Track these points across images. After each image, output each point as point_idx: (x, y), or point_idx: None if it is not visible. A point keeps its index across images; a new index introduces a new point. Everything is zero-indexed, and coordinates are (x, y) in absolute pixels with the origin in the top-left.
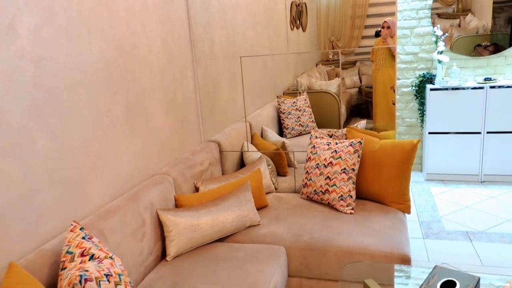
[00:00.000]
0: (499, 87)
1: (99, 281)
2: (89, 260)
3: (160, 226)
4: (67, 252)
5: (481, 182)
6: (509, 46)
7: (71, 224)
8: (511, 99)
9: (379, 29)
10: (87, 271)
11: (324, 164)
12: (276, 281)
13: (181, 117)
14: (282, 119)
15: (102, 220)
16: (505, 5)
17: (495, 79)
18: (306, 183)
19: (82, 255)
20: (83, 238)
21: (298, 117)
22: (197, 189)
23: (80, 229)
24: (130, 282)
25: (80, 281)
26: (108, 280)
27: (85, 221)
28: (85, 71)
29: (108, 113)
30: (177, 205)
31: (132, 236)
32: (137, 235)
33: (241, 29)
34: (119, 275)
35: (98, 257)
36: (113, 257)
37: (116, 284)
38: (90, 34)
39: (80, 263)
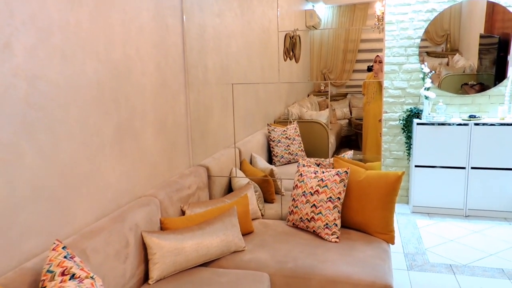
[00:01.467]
0: (483, 124)
1: None
2: (70, 279)
3: (144, 248)
4: (48, 271)
5: (466, 216)
6: (494, 86)
7: (54, 243)
8: (493, 136)
9: (371, 64)
10: None
11: (310, 192)
12: None
13: (171, 141)
14: (272, 147)
15: (85, 240)
16: (490, 47)
17: (479, 117)
18: (292, 210)
19: (62, 274)
20: (65, 257)
21: (288, 145)
22: (183, 213)
23: (63, 248)
24: None
25: None
26: None
27: (69, 240)
28: (78, 90)
29: (98, 133)
30: (162, 227)
31: (115, 257)
32: (120, 256)
33: (235, 57)
34: None
35: (79, 277)
36: (94, 277)
37: None
38: (84, 55)
39: (60, 282)
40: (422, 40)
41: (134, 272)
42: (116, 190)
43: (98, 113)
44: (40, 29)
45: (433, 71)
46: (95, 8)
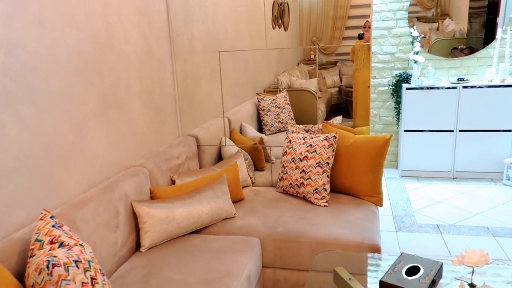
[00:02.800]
0: (471, 87)
1: (67, 266)
2: (59, 247)
3: (135, 217)
4: (36, 240)
5: (453, 178)
6: (482, 49)
7: (41, 213)
8: (482, 99)
9: (362, 32)
10: (55, 256)
11: (299, 158)
12: (249, 271)
13: (158, 111)
14: (262, 116)
15: (74, 210)
16: (480, 11)
17: (467, 80)
18: (282, 177)
19: (51, 242)
20: (53, 226)
21: (278, 114)
22: (173, 182)
23: (51, 217)
24: (100, 269)
25: (47, 266)
26: (77, 266)
27: (57, 211)
28: (59, 60)
29: (83, 104)
30: (152, 197)
31: (106, 227)
32: (111, 226)
33: (222, 25)
34: (89, 261)
35: (67, 245)
36: (83, 244)
37: (86, 270)
38: (63, 23)
39: (49, 250)
40: (412, 5)
41: (126, 240)
42: (104, 161)
43: (81, 83)
44: None
45: (423, 35)
46: None
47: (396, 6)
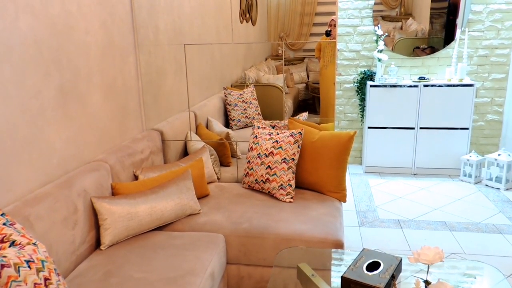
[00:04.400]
0: (432, 85)
1: (18, 267)
2: (9, 246)
3: (95, 214)
4: None
5: (414, 174)
6: (442, 49)
7: None
8: (441, 97)
9: (329, 28)
10: (5, 257)
11: (265, 153)
12: (213, 268)
13: (121, 104)
14: (229, 111)
15: (28, 207)
16: (441, 11)
17: (428, 78)
18: (247, 173)
19: (1, 241)
20: (4, 224)
21: (245, 109)
22: (136, 178)
23: (1, 214)
24: (55, 269)
25: None
26: (29, 267)
27: (9, 208)
28: (11, 48)
29: (38, 95)
30: (114, 193)
31: (63, 224)
32: (68, 223)
33: (188, 18)
34: (42, 261)
35: (19, 244)
36: (36, 243)
37: (39, 271)
38: (17, 9)
39: (0, 249)
40: (376, 3)
41: (85, 238)
42: (62, 156)
43: (37, 74)
44: None
45: (387, 34)
46: None
47: (361, 5)
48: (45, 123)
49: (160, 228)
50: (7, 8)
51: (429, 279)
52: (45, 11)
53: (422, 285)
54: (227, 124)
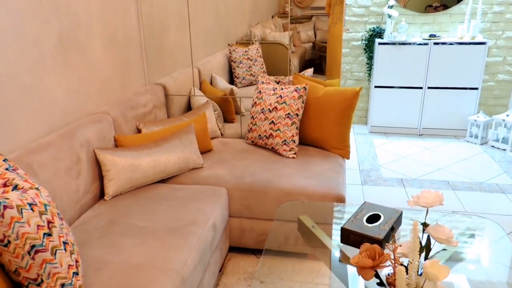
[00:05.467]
0: (442, 43)
1: (21, 209)
2: (12, 190)
3: (98, 165)
4: None
5: (420, 135)
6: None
7: None
8: (451, 56)
9: None
10: (7, 199)
11: (269, 109)
12: (215, 219)
13: (123, 56)
14: (233, 68)
15: (31, 155)
16: None
17: (439, 36)
18: (251, 128)
19: (4, 185)
20: (7, 169)
21: (250, 66)
22: (139, 131)
23: (4, 160)
24: (58, 214)
25: None
26: (31, 209)
27: (12, 155)
28: None
29: (37, 43)
30: (117, 145)
31: (66, 173)
32: (72, 172)
33: None
34: (45, 205)
35: (22, 188)
36: (39, 188)
37: (41, 214)
38: None
39: (2, 193)
40: None
41: (88, 188)
42: (64, 106)
43: (35, 21)
44: None
45: None
46: None
47: None
48: (45, 72)
49: (163, 181)
50: None
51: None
52: None
53: (420, 227)
54: (231, 82)
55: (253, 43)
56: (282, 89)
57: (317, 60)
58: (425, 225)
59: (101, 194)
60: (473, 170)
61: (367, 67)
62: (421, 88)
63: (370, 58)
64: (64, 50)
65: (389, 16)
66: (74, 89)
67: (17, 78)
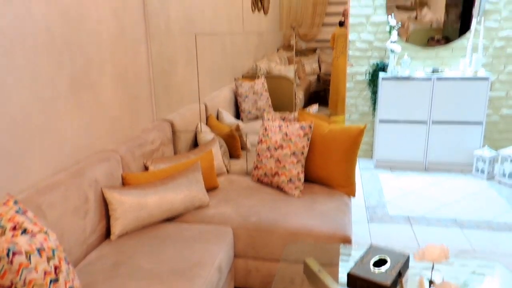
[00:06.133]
0: (445, 79)
1: (29, 255)
2: (21, 234)
3: (105, 204)
4: None
5: (425, 169)
6: (457, 39)
7: (5, 198)
8: (454, 90)
9: (342, 19)
10: (16, 244)
11: (274, 146)
12: (221, 261)
13: (132, 94)
14: (239, 102)
15: (40, 195)
16: (457, 1)
17: (442, 70)
18: (257, 166)
19: (13, 229)
20: (17, 212)
21: (255, 100)
22: (146, 168)
23: (14, 202)
24: (65, 258)
25: (7, 254)
26: (40, 255)
27: (22, 196)
28: (25, 36)
29: (51, 83)
30: (124, 183)
31: (74, 213)
32: (80, 212)
33: (200, 7)
34: (53, 250)
35: (31, 231)
36: (47, 231)
37: (49, 259)
38: None
39: (12, 237)
40: None
41: (95, 227)
42: (74, 145)
43: (50, 62)
44: None
45: (400, 24)
46: None
47: None
48: (57, 112)
49: (169, 220)
50: None
51: (436, 277)
52: None
53: (426, 284)
54: (237, 116)
55: (258, 77)
56: (287, 126)
57: (322, 92)
58: (431, 282)
59: (107, 233)
60: (480, 207)
61: (372, 101)
62: (425, 122)
63: (374, 92)
64: (76, 89)
65: (392, 51)
66: (84, 128)
67: (30, 118)
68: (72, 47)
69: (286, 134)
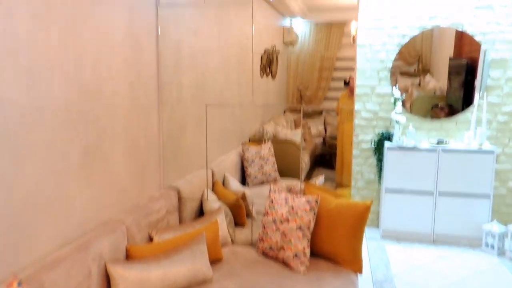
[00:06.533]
0: (450, 150)
1: None
2: None
3: (107, 279)
4: None
5: (433, 241)
6: (461, 110)
7: (10, 278)
8: (460, 163)
9: (348, 79)
10: None
11: (280, 220)
12: None
13: (142, 161)
14: (246, 167)
15: (45, 272)
16: (459, 70)
17: (447, 142)
18: (262, 238)
19: None
20: None
21: (262, 165)
22: (151, 239)
23: (18, 284)
24: None
25: None
26: None
27: (28, 272)
28: (44, 111)
29: (65, 156)
30: (128, 256)
31: None
32: None
33: (212, 75)
34: None
35: None
36: None
37: None
38: (53, 74)
39: None
40: (395, 60)
41: None
42: (81, 216)
43: (66, 135)
44: (6, 49)
45: (404, 95)
46: (66, 26)
47: (380, 66)
48: (68, 184)
49: None
50: (44, 74)
51: None
52: (78, 75)
53: None
54: (243, 180)
55: (265, 141)
56: (294, 199)
57: (328, 156)
58: None
59: None
60: (491, 285)
61: (377, 169)
62: (432, 193)
63: (380, 160)
64: (88, 161)
65: (397, 122)
66: (93, 198)
67: (42, 190)
68: (87, 120)
69: (293, 208)
